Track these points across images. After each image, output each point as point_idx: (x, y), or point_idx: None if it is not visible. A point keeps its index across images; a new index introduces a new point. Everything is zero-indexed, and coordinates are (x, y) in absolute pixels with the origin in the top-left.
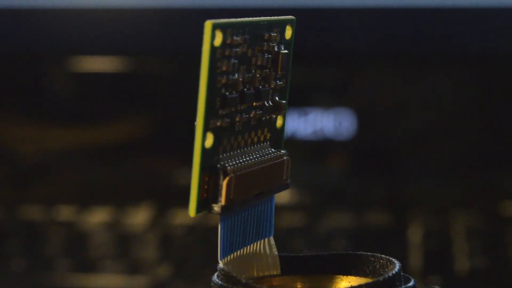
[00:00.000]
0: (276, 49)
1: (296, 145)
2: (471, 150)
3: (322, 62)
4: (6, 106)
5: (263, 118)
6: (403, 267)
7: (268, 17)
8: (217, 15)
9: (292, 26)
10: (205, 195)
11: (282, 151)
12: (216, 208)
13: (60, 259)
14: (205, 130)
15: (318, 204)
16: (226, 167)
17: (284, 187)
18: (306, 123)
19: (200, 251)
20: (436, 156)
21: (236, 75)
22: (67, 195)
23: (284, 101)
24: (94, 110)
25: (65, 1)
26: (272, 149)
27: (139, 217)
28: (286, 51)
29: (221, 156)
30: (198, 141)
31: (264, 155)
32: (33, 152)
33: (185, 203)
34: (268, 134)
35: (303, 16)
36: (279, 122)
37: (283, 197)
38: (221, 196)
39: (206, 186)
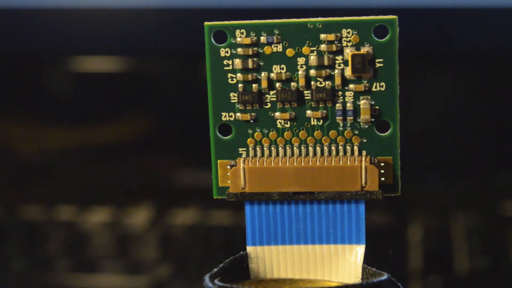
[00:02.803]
0: (351, 50)
1: None
2: (471, 150)
3: None
4: (6, 106)
5: (339, 120)
6: (403, 267)
7: (328, 18)
8: (217, 14)
9: (390, 27)
10: (228, 181)
11: (362, 158)
12: (226, 195)
13: (60, 259)
14: (216, 122)
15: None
16: (239, 159)
17: (365, 195)
18: None
19: (200, 251)
20: (436, 156)
21: (258, 73)
22: (67, 195)
23: (365, 106)
24: (94, 110)
25: (65, 1)
26: (358, 154)
27: (139, 217)
28: (359, 52)
29: (250, 147)
30: (212, 131)
31: (323, 157)
32: (33, 152)
33: (185, 203)
34: (357, 138)
35: (302, 16)
36: (375, 128)
37: None
38: (230, 184)
39: (228, 174)
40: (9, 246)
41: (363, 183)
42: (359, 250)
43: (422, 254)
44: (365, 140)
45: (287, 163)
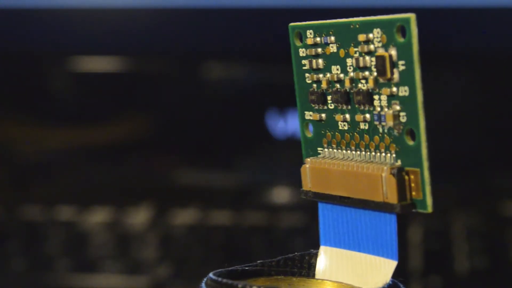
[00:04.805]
0: (380, 51)
1: (296, 145)
2: (471, 150)
3: None
4: (6, 106)
5: (378, 125)
6: (403, 267)
7: (364, 18)
8: (218, 15)
9: (407, 26)
10: None
11: (385, 167)
12: (300, 191)
13: (60, 259)
14: (302, 120)
15: (318, 204)
16: (310, 157)
17: (385, 207)
18: None
19: (200, 251)
20: (436, 156)
21: (322, 74)
22: (67, 195)
23: (400, 112)
24: (94, 110)
25: (65, 1)
26: (389, 163)
27: (139, 217)
28: (380, 53)
29: (324, 147)
30: (300, 129)
31: (361, 162)
32: (33, 152)
33: (185, 203)
34: (393, 145)
35: (302, 17)
36: (405, 136)
37: (283, 197)
38: (302, 182)
39: None
40: (9, 246)
41: (384, 194)
42: (390, 266)
43: (422, 254)
44: (398, 148)
45: (335, 166)
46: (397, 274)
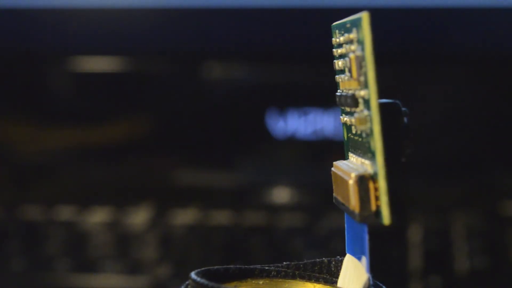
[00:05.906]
0: (352, 52)
1: (296, 145)
2: (471, 150)
3: (322, 61)
4: (6, 106)
5: (362, 128)
6: (403, 267)
7: (349, 17)
8: (218, 15)
9: (358, 26)
10: None
11: (353, 174)
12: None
13: (60, 259)
14: (342, 124)
15: (318, 204)
16: (344, 160)
17: (353, 215)
18: (306, 123)
19: (200, 251)
20: (436, 156)
21: (340, 75)
22: (67, 195)
23: (366, 114)
24: (94, 110)
25: (65, 1)
26: (362, 169)
27: (139, 217)
28: (352, 54)
29: (350, 150)
30: (343, 133)
31: (348, 168)
32: (33, 152)
33: (185, 203)
34: (368, 151)
35: (302, 17)
36: (371, 142)
37: (283, 197)
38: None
39: None
40: (9, 246)
41: (351, 201)
42: (363, 278)
43: (422, 254)
44: (371, 154)
45: (339, 171)
46: (397, 274)
